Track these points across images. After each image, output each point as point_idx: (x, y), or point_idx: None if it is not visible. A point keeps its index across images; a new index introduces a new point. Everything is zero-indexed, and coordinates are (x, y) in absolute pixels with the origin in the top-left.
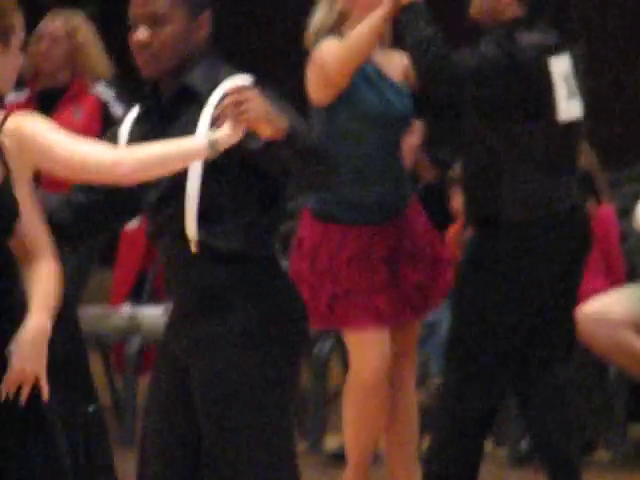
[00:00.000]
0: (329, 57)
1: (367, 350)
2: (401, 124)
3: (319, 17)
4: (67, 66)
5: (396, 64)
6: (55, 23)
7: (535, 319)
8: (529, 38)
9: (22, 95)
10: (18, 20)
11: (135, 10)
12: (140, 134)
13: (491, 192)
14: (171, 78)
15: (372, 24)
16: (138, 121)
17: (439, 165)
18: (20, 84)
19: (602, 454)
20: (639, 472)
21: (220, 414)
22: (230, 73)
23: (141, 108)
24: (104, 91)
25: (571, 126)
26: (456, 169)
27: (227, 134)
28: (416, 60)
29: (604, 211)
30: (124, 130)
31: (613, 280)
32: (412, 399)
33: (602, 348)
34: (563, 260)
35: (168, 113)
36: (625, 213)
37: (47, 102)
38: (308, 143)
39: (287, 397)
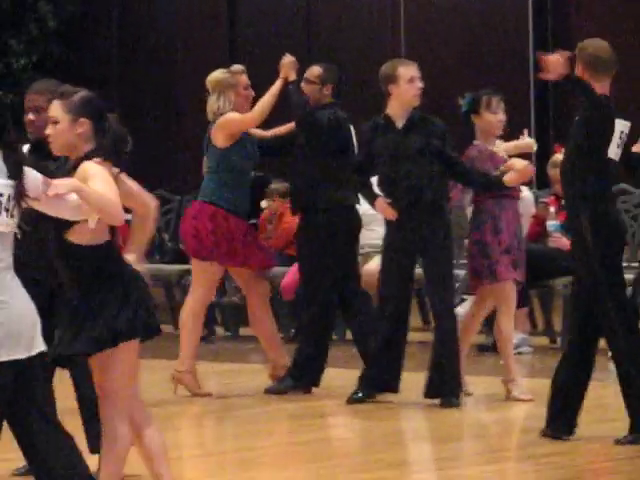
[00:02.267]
0: (239, 119)
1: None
2: (255, 159)
3: (216, 104)
4: None
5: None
6: None
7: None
8: (341, 113)
9: None
10: None
11: None
12: None
13: (312, 190)
14: None
15: (271, 97)
16: None
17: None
18: None
19: None
20: None
21: None
22: None
23: None
24: None
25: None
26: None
27: None
28: (295, 116)
29: None
30: None
31: None
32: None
33: None
34: (349, 237)
35: None
36: None
37: None
38: None
39: None
